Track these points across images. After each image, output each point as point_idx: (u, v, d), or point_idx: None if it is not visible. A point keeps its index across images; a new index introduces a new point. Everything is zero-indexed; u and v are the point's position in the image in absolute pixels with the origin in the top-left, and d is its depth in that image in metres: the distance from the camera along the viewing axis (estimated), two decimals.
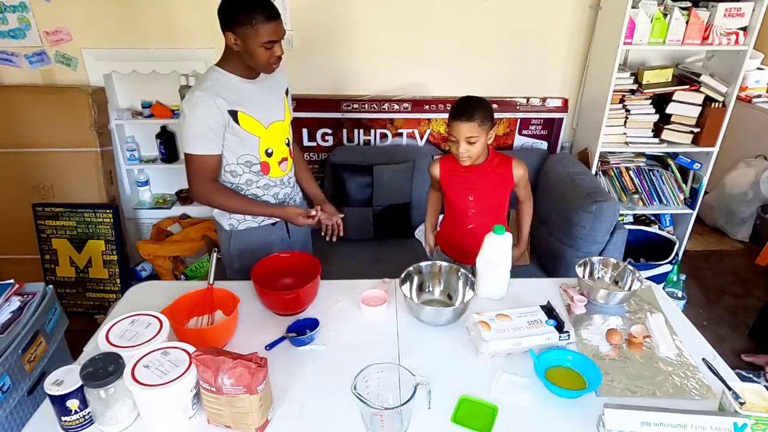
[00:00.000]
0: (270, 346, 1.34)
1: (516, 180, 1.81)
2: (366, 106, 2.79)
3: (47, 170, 2.66)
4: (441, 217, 2.06)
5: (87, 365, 1.08)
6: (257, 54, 1.50)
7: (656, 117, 2.73)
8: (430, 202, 2.05)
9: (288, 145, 1.75)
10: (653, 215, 3.02)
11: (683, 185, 2.93)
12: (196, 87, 1.54)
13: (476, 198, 1.82)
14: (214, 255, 1.47)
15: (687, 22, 2.48)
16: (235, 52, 1.54)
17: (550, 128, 2.94)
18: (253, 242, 1.77)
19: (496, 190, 1.82)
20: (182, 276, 2.86)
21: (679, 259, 2.89)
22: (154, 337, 1.23)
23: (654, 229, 2.92)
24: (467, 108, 1.67)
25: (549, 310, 1.41)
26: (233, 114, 1.56)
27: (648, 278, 1.71)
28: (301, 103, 2.73)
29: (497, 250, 1.54)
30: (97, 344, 1.24)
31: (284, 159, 1.74)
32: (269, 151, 1.67)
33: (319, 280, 1.50)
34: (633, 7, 2.41)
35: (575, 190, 2.33)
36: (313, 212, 1.70)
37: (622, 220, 2.91)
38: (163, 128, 2.87)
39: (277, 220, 1.79)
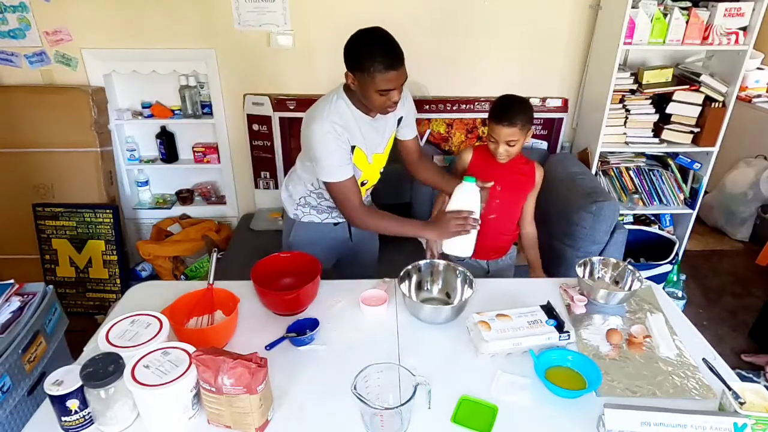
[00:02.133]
0: (270, 346, 1.35)
1: (536, 182, 1.87)
2: None
3: (47, 170, 2.66)
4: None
5: (87, 365, 1.08)
6: (372, 99, 1.49)
7: (656, 117, 2.73)
8: (439, 201, 2.00)
9: (381, 173, 1.78)
10: (653, 215, 3.02)
11: (683, 185, 2.93)
12: (323, 115, 1.53)
13: (503, 189, 1.85)
14: (214, 255, 1.47)
15: (687, 22, 2.48)
16: None
17: (550, 128, 2.94)
18: (313, 236, 1.79)
19: (522, 185, 1.87)
20: (182, 276, 2.86)
21: (679, 259, 2.89)
22: (154, 337, 1.23)
23: (654, 229, 2.92)
24: (509, 112, 1.68)
25: (549, 310, 1.41)
26: (352, 148, 1.59)
27: (648, 278, 1.71)
28: (301, 103, 2.73)
29: (465, 201, 1.52)
30: (97, 344, 1.24)
31: (372, 186, 1.79)
32: (364, 182, 1.71)
33: (319, 280, 1.50)
34: (633, 7, 2.40)
35: (575, 190, 2.33)
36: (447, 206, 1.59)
37: (622, 220, 2.91)
38: (163, 128, 2.87)
39: (340, 220, 1.79)
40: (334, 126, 1.53)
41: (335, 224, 1.81)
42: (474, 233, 1.56)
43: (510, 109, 1.69)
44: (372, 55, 1.42)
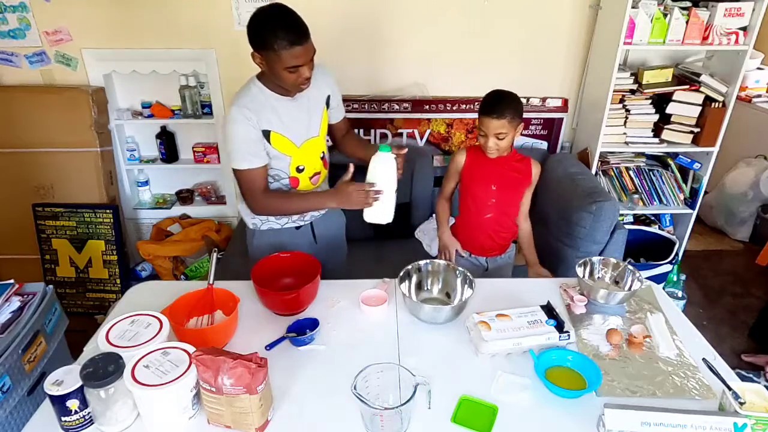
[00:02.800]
0: (270, 346, 1.35)
1: (533, 178, 1.86)
2: (366, 106, 2.79)
3: (47, 170, 2.66)
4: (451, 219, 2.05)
5: (87, 365, 1.08)
6: (282, 77, 1.47)
7: (656, 117, 2.73)
8: (442, 211, 1.98)
9: (323, 158, 1.74)
10: (653, 215, 3.02)
11: (683, 185, 2.93)
12: (235, 101, 1.53)
13: (498, 188, 1.85)
14: (214, 255, 1.47)
15: (687, 22, 2.48)
16: None
17: (550, 128, 2.94)
18: (276, 244, 1.75)
19: (517, 183, 1.87)
20: (182, 276, 2.86)
21: (679, 259, 2.89)
22: (154, 337, 1.23)
23: (654, 229, 2.92)
24: (498, 105, 1.69)
25: (549, 310, 1.41)
26: (266, 133, 1.56)
27: (648, 278, 1.71)
28: None
29: (381, 170, 1.54)
30: (97, 344, 1.24)
31: (317, 173, 1.73)
32: (300, 167, 1.67)
33: (319, 280, 1.50)
34: (633, 7, 2.40)
35: (575, 190, 2.33)
36: (347, 176, 1.59)
37: (622, 220, 2.91)
38: (163, 128, 2.87)
39: (302, 224, 1.77)
40: (242, 110, 1.50)
41: (297, 228, 1.78)
42: (392, 199, 1.56)
43: (499, 102, 1.70)
44: (274, 32, 1.40)
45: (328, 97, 1.72)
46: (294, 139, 1.61)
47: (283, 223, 1.75)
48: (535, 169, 1.87)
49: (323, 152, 1.74)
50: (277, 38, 1.39)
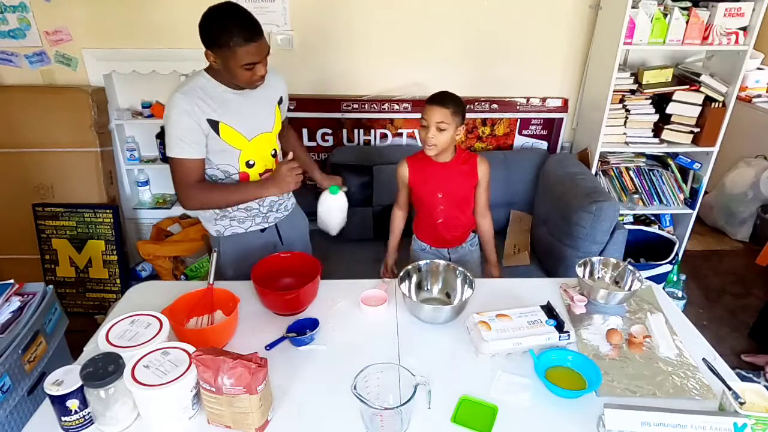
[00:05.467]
0: (270, 346, 1.35)
1: (480, 176, 1.84)
2: (366, 106, 2.79)
3: (47, 170, 2.66)
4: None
5: (87, 365, 1.08)
6: (238, 74, 1.47)
7: (656, 117, 2.73)
8: (395, 222, 2.00)
9: (274, 156, 1.72)
10: (653, 215, 3.02)
11: (683, 185, 2.93)
12: (177, 88, 1.51)
13: (444, 195, 1.84)
14: (214, 255, 1.47)
15: (687, 22, 2.48)
16: None
17: (550, 128, 2.94)
18: (243, 248, 1.74)
19: (463, 185, 1.85)
20: (182, 276, 2.85)
21: (679, 259, 2.89)
22: (154, 337, 1.23)
23: (654, 229, 2.92)
24: (443, 96, 1.72)
25: (549, 310, 1.41)
26: (214, 124, 1.53)
27: (648, 278, 1.71)
28: (301, 103, 2.73)
29: (334, 206, 1.79)
30: (97, 344, 1.24)
31: (268, 170, 1.70)
32: (250, 162, 1.65)
33: (319, 280, 1.50)
34: (633, 7, 2.40)
35: (575, 190, 2.33)
36: (289, 157, 1.64)
37: (622, 220, 2.91)
38: (164, 128, 2.86)
39: (266, 226, 1.77)
40: (184, 97, 1.48)
41: (262, 231, 1.77)
42: (341, 217, 1.83)
43: (445, 94, 1.72)
44: (229, 30, 1.40)
45: (281, 98, 1.74)
46: (244, 132, 1.60)
47: (246, 227, 1.74)
48: (482, 166, 1.83)
49: (275, 150, 1.73)
50: (233, 35, 1.40)
